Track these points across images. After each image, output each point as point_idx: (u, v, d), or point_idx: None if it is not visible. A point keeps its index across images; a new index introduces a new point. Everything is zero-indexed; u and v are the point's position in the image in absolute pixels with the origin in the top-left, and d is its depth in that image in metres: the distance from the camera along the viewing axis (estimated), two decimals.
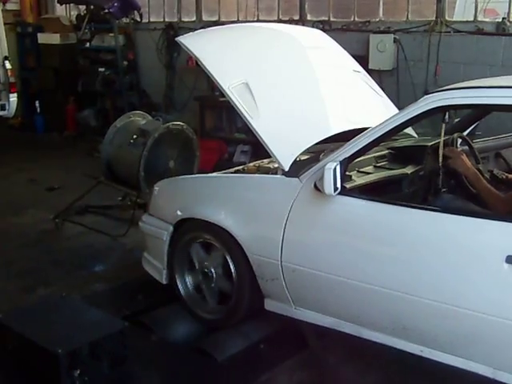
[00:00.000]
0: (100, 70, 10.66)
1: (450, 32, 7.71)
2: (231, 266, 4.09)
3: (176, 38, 4.53)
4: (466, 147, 4.64)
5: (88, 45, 11.18)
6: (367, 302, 3.55)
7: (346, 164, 3.55)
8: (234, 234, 3.98)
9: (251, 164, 5.11)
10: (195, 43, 4.35)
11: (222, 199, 4.18)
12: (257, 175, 4.20)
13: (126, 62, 10.77)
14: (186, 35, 4.51)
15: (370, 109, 4.87)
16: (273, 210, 3.86)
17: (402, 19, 8.25)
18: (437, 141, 4.36)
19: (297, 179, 3.78)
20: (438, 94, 3.41)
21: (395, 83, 8.11)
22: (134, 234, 5.78)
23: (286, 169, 3.87)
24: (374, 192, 3.72)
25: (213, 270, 4.24)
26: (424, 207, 3.41)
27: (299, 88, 4.50)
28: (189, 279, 4.44)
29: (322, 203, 3.61)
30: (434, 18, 7.88)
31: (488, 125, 5.29)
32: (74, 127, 11.00)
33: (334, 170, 3.40)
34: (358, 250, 3.52)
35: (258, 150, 8.49)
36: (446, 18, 7.86)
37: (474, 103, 3.35)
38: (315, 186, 3.61)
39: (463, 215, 3.23)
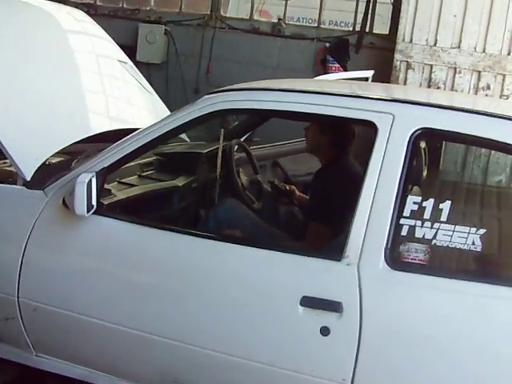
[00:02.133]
0: None
1: (224, 28, 7.28)
2: None
3: None
4: (244, 155, 4.13)
5: None
6: (126, 349, 2.83)
7: (104, 176, 2.81)
8: None
9: None
10: None
11: None
12: None
13: None
14: None
15: (137, 106, 4.18)
16: (8, 231, 3.01)
17: (174, 10, 7.66)
18: (213, 147, 3.80)
19: (41, 192, 2.97)
20: (221, 94, 2.79)
21: (164, 78, 7.51)
22: None
23: (28, 178, 3.03)
24: (138, 209, 3.05)
25: None
26: (197, 233, 2.77)
27: (52, 76, 3.66)
28: None
29: (72, 225, 2.83)
30: (208, 13, 7.39)
31: (264, 131, 4.83)
32: None
33: (89, 183, 2.65)
34: (116, 285, 2.79)
35: None
36: (222, 13, 7.41)
37: (265, 108, 2.73)
38: (64, 202, 2.83)
39: (248, 245, 2.63)
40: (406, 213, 2.35)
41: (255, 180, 4.01)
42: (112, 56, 4.37)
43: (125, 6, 7.91)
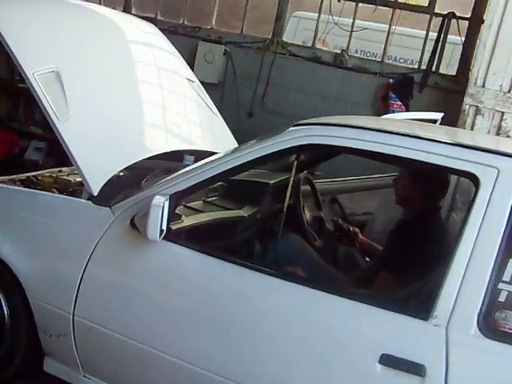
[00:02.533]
0: None
1: (285, 54, 7.14)
2: (4, 309, 3.07)
3: None
4: (308, 188, 3.98)
5: None
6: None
7: (177, 200, 2.71)
8: (12, 266, 2.98)
9: (46, 172, 4.10)
10: None
11: (1, 218, 3.14)
12: (54, 195, 3.19)
13: None
14: None
15: (203, 128, 4.09)
16: (71, 246, 2.91)
17: (235, 31, 7.56)
18: (280, 179, 3.67)
19: (108, 210, 2.86)
20: (309, 128, 2.66)
21: (219, 99, 7.32)
22: None
23: (95, 193, 2.94)
24: (205, 238, 2.92)
25: None
26: (263, 270, 2.62)
27: (123, 91, 3.61)
28: None
29: (139, 248, 2.72)
30: (269, 37, 7.28)
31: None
32: None
33: (163, 207, 2.53)
34: (178, 316, 2.67)
35: (55, 149, 7.47)
36: (284, 39, 7.29)
37: (359, 148, 2.53)
38: (132, 223, 2.71)
39: (321, 290, 2.47)
40: (506, 277, 2.18)
41: (318, 216, 3.87)
42: (181, 73, 4.28)
43: (186, 22, 7.82)
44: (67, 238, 2.93)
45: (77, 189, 3.40)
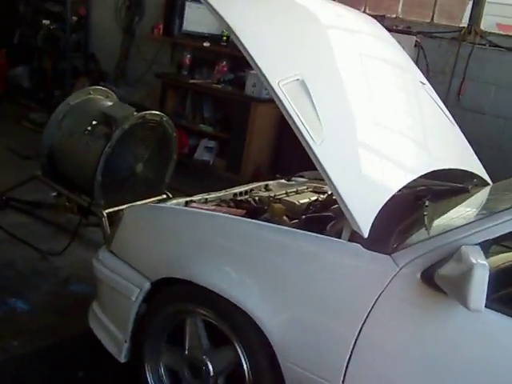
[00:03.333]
0: (44, 22, 8.71)
1: (485, 45, 6.33)
2: (245, 370, 2.56)
3: None
4: None
5: None
6: None
7: (486, 250, 2.09)
8: (261, 323, 2.44)
9: (254, 187, 3.63)
10: (227, 8, 2.71)
11: (244, 262, 2.61)
12: (308, 234, 2.54)
13: (75, 18, 8.89)
14: None
15: (449, 140, 3.43)
16: (338, 302, 2.34)
17: (425, 20, 6.81)
18: None
19: (388, 257, 2.26)
20: None
21: None
22: (73, 252, 4.23)
23: (366, 234, 2.34)
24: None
25: (210, 366, 2.69)
26: None
27: (370, 99, 2.99)
28: (166, 372, 2.89)
29: (439, 312, 2.12)
30: (465, 25, 6.48)
31: None
32: (2, 85, 9.04)
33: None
34: None
35: (225, 148, 7.06)
36: (482, 27, 6.47)
37: None
38: (427, 279, 2.11)
39: None
40: None
41: None
42: (415, 76, 3.64)
43: (367, 11, 7.16)
44: (332, 291, 2.35)
45: (314, 216, 2.87)
